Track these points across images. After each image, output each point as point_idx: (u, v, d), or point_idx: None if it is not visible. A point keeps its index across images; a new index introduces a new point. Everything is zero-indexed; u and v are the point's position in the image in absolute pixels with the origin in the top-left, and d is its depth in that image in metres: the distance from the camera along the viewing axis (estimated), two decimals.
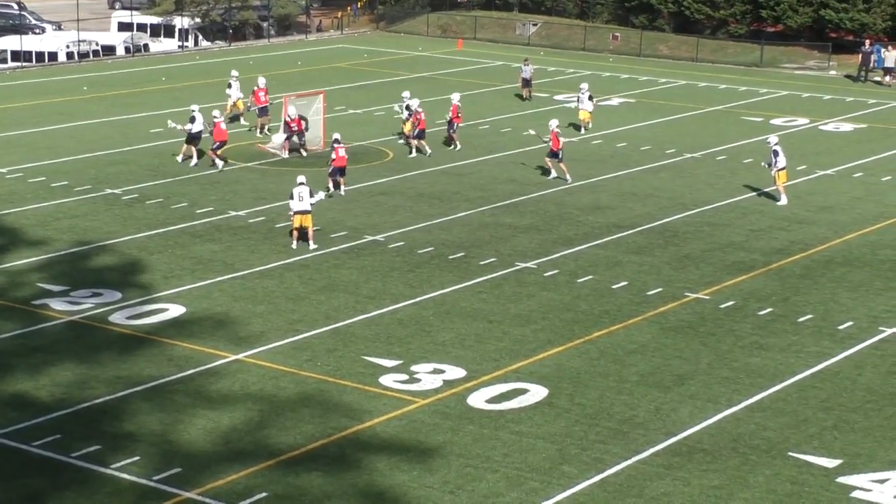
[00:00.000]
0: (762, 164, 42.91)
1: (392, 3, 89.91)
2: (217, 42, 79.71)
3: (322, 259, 34.79)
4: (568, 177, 43.53)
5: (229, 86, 52.55)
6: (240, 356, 27.84)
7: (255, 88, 51.26)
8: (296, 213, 35.26)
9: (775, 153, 41.02)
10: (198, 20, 79.77)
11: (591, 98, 52.21)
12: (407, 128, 47.35)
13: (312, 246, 35.32)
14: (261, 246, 35.78)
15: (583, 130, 51.00)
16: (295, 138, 46.73)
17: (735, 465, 23.21)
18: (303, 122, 46.73)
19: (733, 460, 23.38)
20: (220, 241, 36.29)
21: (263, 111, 50.94)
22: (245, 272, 33.52)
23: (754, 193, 42.65)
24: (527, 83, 59.92)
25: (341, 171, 41.25)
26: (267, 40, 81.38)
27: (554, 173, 43.76)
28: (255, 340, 28.76)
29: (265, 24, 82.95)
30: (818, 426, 24.89)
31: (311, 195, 35.29)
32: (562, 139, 43.97)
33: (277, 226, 37.63)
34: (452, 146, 48.23)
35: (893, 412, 25.60)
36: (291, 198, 35.31)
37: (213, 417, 24.71)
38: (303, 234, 35.45)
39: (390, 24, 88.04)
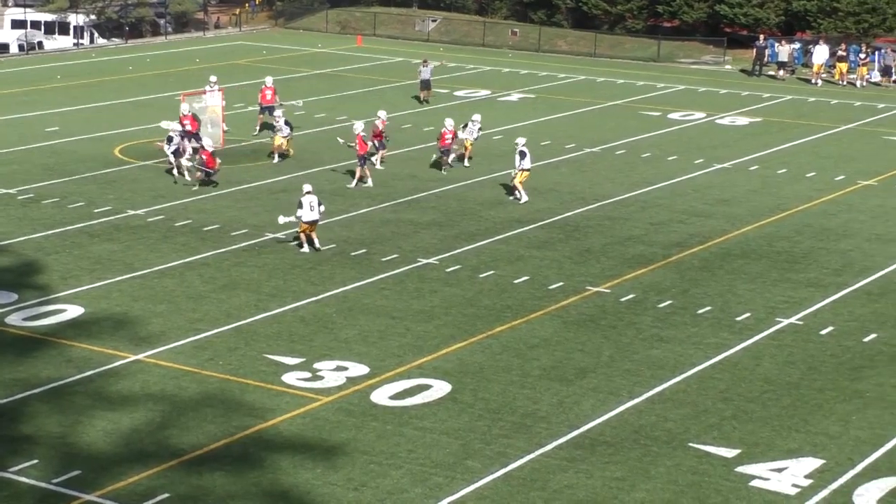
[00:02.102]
0: (511, 172, 41.25)
1: (290, 0, 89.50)
2: (113, 39, 78.82)
3: (223, 257, 34.56)
4: (370, 181, 42.19)
5: (204, 91, 49.77)
6: (140, 356, 27.58)
7: (263, 87, 51.24)
8: (306, 222, 34.75)
9: (522, 154, 40.52)
10: (93, 17, 78.81)
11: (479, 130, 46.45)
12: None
13: (317, 246, 35.14)
14: (160, 245, 35.47)
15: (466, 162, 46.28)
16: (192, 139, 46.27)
17: (637, 456, 23.42)
18: (197, 122, 46.23)
19: (635, 452, 23.59)
20: (119, 240, 35.92)
21: (269, 109, 50.59)
22: (144, 271, 33.20)
23: (654, 187, 43.04)
24: (426, 85, 58.21)
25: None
26: (164, 38, 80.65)
27: (365, 177, 42.49)
28: (156, 340, 28.51)
29: (162, 22, 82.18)
30: (718, 416, 25.19)
31: (321, 203, 34.94)
32: (369, 142, 42.89)
33: (176, 224, 37.33)
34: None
35: (791, 402, 25.98)
36: (300, 206, 34.46)
37: (113, 419, 24.45)
38: (309, 239, 35.13)
39: (289, 20, 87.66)
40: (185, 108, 45.47)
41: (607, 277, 33.66)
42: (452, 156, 45.21)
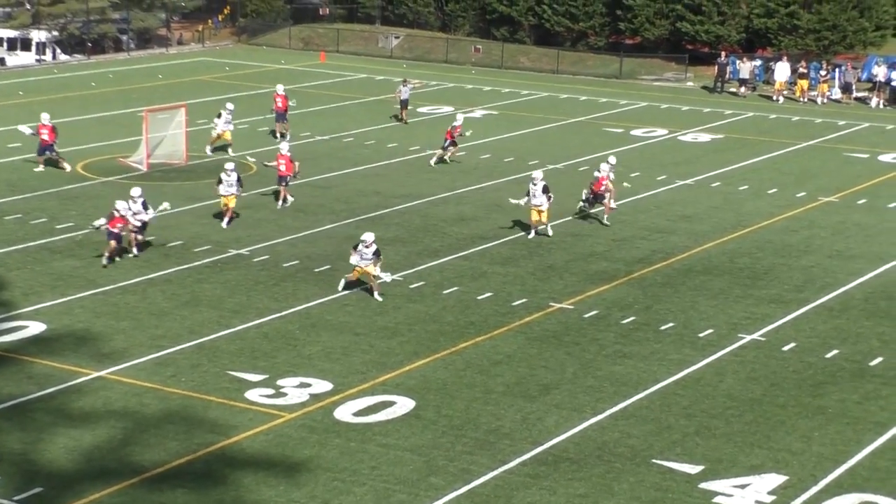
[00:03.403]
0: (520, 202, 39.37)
1: (253, 16, 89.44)
2: (76, 55, 78.52)
3: (185, 274, 34.45)
4: (289, 200, 41.74)
5: (219, 115, 49.37)
6: (102, 373, 27.44)
7: (275, 94, 52.57)
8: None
9: (546, 189, 38.28)
10: (56, 33, 78.51)
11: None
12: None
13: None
14: (122, 261, 35.31)
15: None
16: (48, 151, 46.02)
17: (600, 472, 23.45)
18: (55, 134, 45.91)
19: (598, 468, 23.62)
20: (81, 256, 35.74)
21: (282, 117, 52.28)
22: (107, 287, 33.06)
23: (617, 203, 43.11)
24: (404, 104, 57.64)
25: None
26: (126, 54, 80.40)
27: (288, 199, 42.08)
28: (118, 357, 28.37)
29: (125, 38, 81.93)
30: (681, 433, 25.26)
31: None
32: (296, 163, 42.25)
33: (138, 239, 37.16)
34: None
35: (753, 418, 26.08)
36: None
37: (75, 436, 24.31)
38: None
39: (252, 36, 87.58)
40: (45, 117, 45.57)
41: (570, 294, 33.72)
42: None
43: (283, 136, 51.83)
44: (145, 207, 35.83)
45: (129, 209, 35.22)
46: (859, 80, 69.16)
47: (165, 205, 36.93)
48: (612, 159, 42.37)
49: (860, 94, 68.10)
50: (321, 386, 27.01)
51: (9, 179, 44.44)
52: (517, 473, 23.32)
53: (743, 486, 23.04)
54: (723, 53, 70.78)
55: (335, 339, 29.92)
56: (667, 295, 33.86)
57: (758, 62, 71.69)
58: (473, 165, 48.91)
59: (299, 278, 34.31)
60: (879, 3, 74.16)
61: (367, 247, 32.37)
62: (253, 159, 47.48)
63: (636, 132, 56.99)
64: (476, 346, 29.68)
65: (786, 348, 30.08)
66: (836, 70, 69.22)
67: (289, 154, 41.61)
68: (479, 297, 33.11)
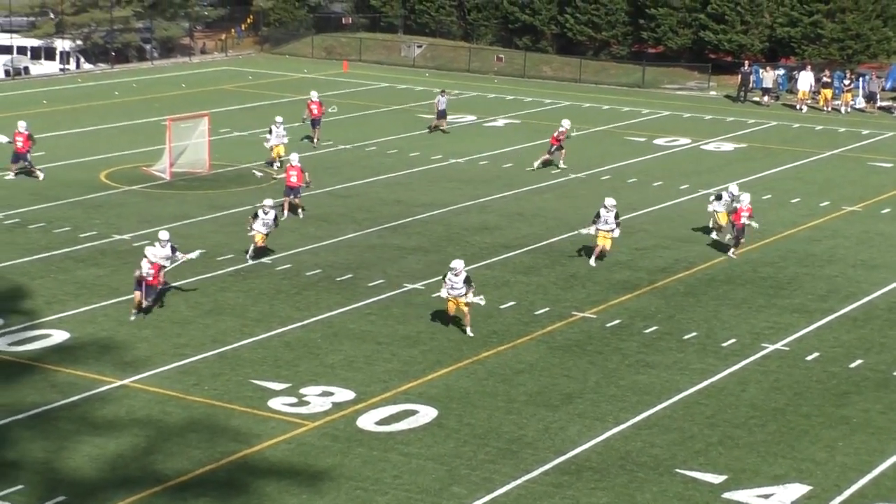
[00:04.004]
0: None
1: (276, 26, 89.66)
2: (99, 64, 78.85)
3: (208, 282, 34.51)
4: (300, 213, 41.28)
5: (269, 130, 48.74)
6: (125, 381, 27.50)
7: (309, 101, 53.09)
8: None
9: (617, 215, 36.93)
10: (80, 42, 78.85)
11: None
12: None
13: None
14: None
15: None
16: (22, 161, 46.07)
17: (623, 482, 23.39)
18: (31, 142, 46.00)
19: (621, 478, 23.56)
20: (105, 265, 35.84)
21: (315, 123, 52.79)
22: (130, 296, 33.06)
23: (639, 212, 43.10)
24: (442, 115, 57.51)
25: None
26: (150, 63, 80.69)
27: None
28: (141, 365, 28.43)
29: (148, 47, 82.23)
30: (704, 442, 25.18)
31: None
32: (306, 173, 42.05)
33: None
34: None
35: (777, 427, 25.99)
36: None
37: (98, 444, 24.36)
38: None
39: (275, 46, 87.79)
40: (22, 125, 45.74)
41: (593, 303, 33.67)
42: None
43: (310, 140, 52.27)
44: (173, 251, 33.00)
45: (158, 254, 31.98)
46: (884, 89, 68.94)
47: (198, 252, 34.08)
48: (737, 192, 39.27)
49: (884, 104, 67.87)
50: (344, 395, 27.02)
51: (32, 188, 44.60)
52: (539, 483, 23.28)
53: (766, 496, 22.95)
54: (746, 62, 70.67)
55: (358, 347, 29.93)
56: (690, 304, 33.78)
57: (781, 71, 71.55)
58: (496, 174, 48.90)
59: (321, 287, 34.33)
60: None
61: (456, 275, 30.40)
62: (282, 163, 47.54)
63: (659, 141, 56.91)
64: (498, 355, 29.65)
65: (809, 358, 29.98)
66: (860, 79, 69.03)
67: (299, 165, 41.60)
68: (502, 306, 33.08)
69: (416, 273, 35.70)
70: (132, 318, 31.33)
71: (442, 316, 32.14)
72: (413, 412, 26.25)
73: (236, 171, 48.12)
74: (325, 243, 38.51)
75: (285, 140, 48.84)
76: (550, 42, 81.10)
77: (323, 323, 31.58)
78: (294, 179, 41.07)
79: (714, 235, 39.77)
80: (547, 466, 23.92)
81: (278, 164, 47.77)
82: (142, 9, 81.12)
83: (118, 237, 38.54)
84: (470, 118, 61.15)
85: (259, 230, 35.82)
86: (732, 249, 38.26)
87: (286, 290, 33.98)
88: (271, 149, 48.32)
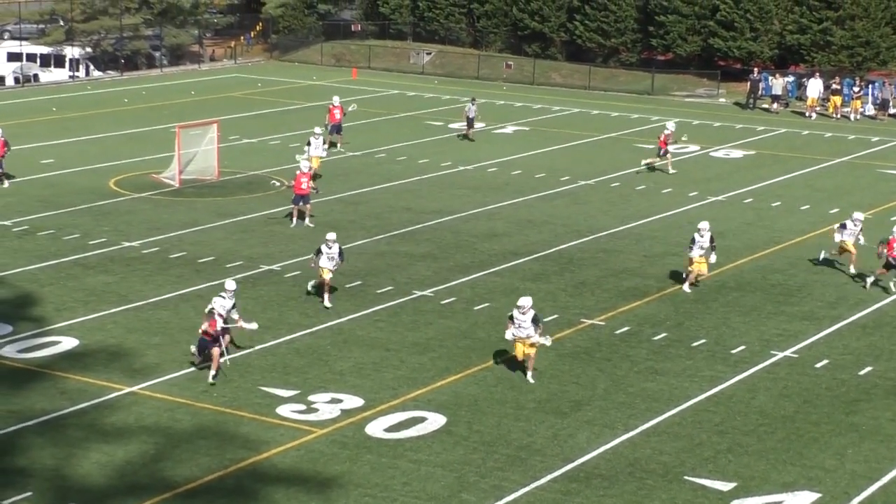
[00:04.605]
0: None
1: (285, 33, 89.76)
2: (109, 72, 79.00)
3: (218, 289, 34.41)
4: (307, 221, 41.20)
5: (308, 143, 47.78)
6: (135, 388, 27.52)
7: (331, 106, 53.39)
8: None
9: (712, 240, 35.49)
10: (89, 50, 79.01)
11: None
12: None
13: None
14: (155, 277, 35.44)
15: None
16: None
17: (632, 489, 23.36)
18: (6, 148, 45.93)
19: (630, 485, 23.53)
20: (114, 272, 35.89)
21: (337, 129, 52.98)
22: (139, 303, 33.16)
23: (648, 219, 43.09)
24: (471, 123, 57.34)
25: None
26: (159, 70, 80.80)
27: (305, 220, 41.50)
28: (150, 372, 28.44)
29: (158, 54, 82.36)
30: (713, 450, 25.15)
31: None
32: (313, 181, 41.91)
33: (171, 256, 37.32)
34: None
35: (786, 435, 25.95)
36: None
37: (107, 451, 24.38)
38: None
39: (284, 53, 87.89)
40: None
41: (602, 310, 33.65)
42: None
43: (333, 145, 52.34)
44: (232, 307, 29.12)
45: (227, 307, 28.70)
46: (894, 96, 68.83)
47: (253, 325, 29.63)
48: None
49: (895, 111, 67.74)
50: (352, 402, 27.01)
51: (41, 195, 44.67)
52: (548, 490, 23.26)
53: None
54: (755, 70, 70.64)
55: (366, 354, 29.93)
56: (699, 311, 33.75)
57: (790, 78, 71.51)
58: (505, 181, 48.91)
59: (331, 294, 34.30)
60: None
61: (523, 313, 28.03)
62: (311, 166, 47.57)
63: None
64: (507, 363, 29.63)
65: (819, 365, 29.93)
66: (870, 86, 68.97)
67: (310, 172, 41.60)
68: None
69: (425, 280, 35.70)
70: (212, 381, 27.80)
71: (451, 323, 32.14)
72: (422, 419, 26.24)
73: (246, 179, 48.16)
74: None
75: (323, 154, 48.20)
76: (560, 49, 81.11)
77: (332, 330, 31.58)
78: (304, 187, 41.06)
79: (837, 264, 37.46)
80: (556, 473, 23.90)
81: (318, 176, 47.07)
82: (151, 16, 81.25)
83: (127, 244, 38.59)
84: (479, 125, 61.13)
85: (325, 266, 32.88)
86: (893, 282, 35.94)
87: (295, 297, 33.99)
88: (309, 159, 46.15)
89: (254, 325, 29.36)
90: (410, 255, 38.34)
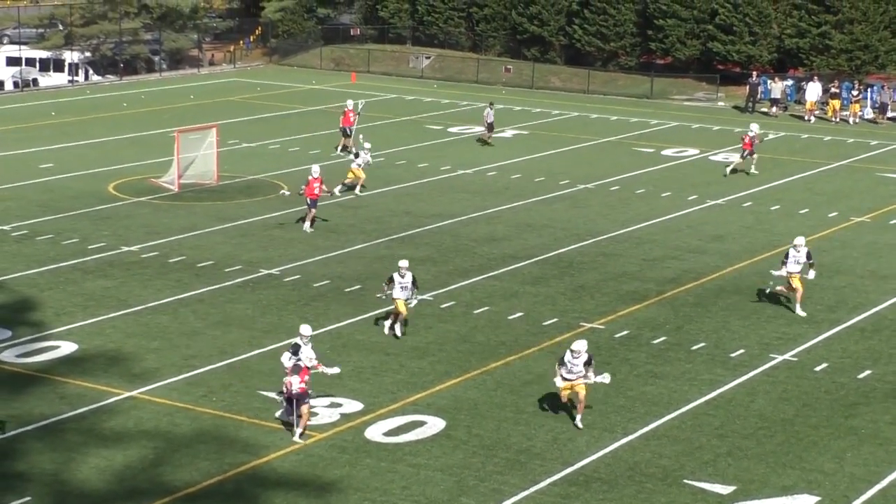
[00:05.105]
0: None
1: (285, 37, 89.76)
2: (108, 76, 78.99)
3: (217, 293, 34.53)
4: (308, 225, 41.05)
5: (356, 154, 47.45)
6: (134, 393, 27.52)
7: (346, 110, 53.89)
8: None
9: (809, 256, 34.24)
10: (88, 54, 79.01)
11: None
12: None
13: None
14: (154, 281, 35.44)
15: None
16: None
17: (631, 493, 23.36)
18: None
19: (629, 489, 23.53)
20: (113, 276, 35.89)
21: (347, 132, 53.60)
22: (138, 308, 33.16)
23: (648, 223, 43.09)
24: (491, 127, 57.10)
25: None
26: (159, 74, 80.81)
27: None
28: (150, 377, 28.45)
29: (157, 59, 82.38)
30: (712, 453, 25.15)
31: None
32: (324, 185, 41.58)
33: (170, 260, 37.33)
34: None
35: (785, 438, 25.95)
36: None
37: (106, 455, 24.38)
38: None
39: (283, 57, 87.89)
40: None
41: (601, 314, 33.65)
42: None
43: (345, 149, 52.42)
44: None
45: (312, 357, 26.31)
46: (893, 100, 68.84)
47: (335, 369, 27.19)
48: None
49: (894, 115, 67.75)
50: (352, 406, 27.01)
51: (41, 200, 44.68)
52: (548, 494, 23.26)
53: None
54: (754, 73, 70.64)
55: (366, 358, 29.93)
56: (698, 315, 33.75)
57: (789, 82, 71.52)
58: (504, 185, 48.91)
59: (330, 298, 34.35)
60: None
61: (576, 357, 26.05)
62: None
63: (667, 152, 56.89)
64: (507, 366, 29.64)
65: (818, 369, 29.94)
66: (869, 90, 68.99)
67: (321, 177, 41.58)
68: (510, 317, 33.07)
69: (424, 284, 35.67)
70: (299, 438, 25.36)
71: (450, 327, 32.14)
72: (421, 423, 26.24)
73: (245, 183, 48.17)
74: (333, 254, 38.52)
75: (365, 165, 47.37)
76: (559, 53, 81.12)
77: (331, 334, 31.58)
78: (316, 192, 41.05)
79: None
80: (555, 477, 23.90)
81: (361, 187, 46.73)
82: (150, 20, 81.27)
83: (126, 249, 38.58)
84: (478, 129, 61.15)
85: (398, 296, 31.09)
86: None
87: (295, 301, 34.00)
88: (356, 168, 46.35)
89: (336, 370, 27.09)
90: (410, 259, 38.25)
